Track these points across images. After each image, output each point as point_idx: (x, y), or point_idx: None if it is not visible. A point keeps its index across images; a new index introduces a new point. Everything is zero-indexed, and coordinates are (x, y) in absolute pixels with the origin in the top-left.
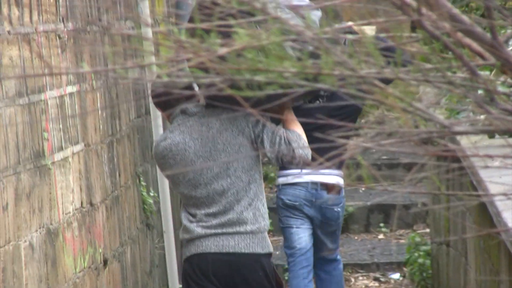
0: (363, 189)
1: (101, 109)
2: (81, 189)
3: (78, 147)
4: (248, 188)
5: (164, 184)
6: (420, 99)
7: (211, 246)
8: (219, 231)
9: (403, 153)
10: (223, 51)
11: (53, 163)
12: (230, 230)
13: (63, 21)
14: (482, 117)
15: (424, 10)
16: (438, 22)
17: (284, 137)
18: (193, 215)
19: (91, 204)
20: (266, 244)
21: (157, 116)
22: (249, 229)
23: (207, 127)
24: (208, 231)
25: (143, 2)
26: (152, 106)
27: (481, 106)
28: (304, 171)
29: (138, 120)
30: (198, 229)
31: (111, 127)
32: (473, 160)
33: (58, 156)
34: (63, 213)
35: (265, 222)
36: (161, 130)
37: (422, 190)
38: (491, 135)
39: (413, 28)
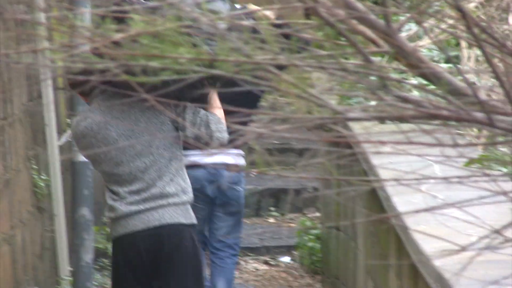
0: (255, 174)
1: None
2: None
3: None
4: (169, 165)
5: (56, 168)
6: (313, 86)
7: (138, 223)
8: (142, 207)
9: (297, 139)
10: (118, 36)
11: None
12: (153, 204)
13: None
14: (374, 103)
15: None
16: (333, 9)
17: (204, 119)
18: (116, 193)
19: None
20: (189, 216)
21: (49, 100)
22: (172, 202)
23: (128, 106)
24: (133, 208)
25: None
26: (45, 91)
27: (374, 92)
28: (202, 152)
29: (30, 104)
30: (122, 207)
31: (3, 111)
32: (365, 146)
33: None
34: None
35: (187, 195)
36: (53, 115)
37: (314, 175)
38: (382, 121)
39: (308, 15)
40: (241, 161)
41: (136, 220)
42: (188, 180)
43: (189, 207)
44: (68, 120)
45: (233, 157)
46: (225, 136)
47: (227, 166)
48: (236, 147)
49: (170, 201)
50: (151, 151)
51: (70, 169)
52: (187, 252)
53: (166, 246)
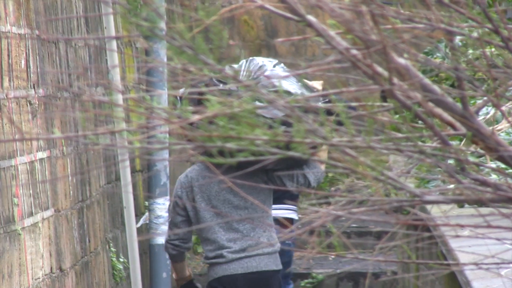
0: (333, 256)
1: (71, 175)
2: (50, 255)
3: (48, 213)
4: (261, 218)
5: (134, 250)
6: (391, 168)
7: (238, 268)
8: (243, 255)
9: (374, 222)
10: (194, 118)
11: (23, 228)
12: (252, 253)
13: (34, 87)
14: (452, 186)
15: (395, 79)
16: (409, 91)
17: (301, 177)
18: (213, 241)
19: (61, 269)
20: (278, 262)
21: (127, 182)
22: (266, 251)
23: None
24: (234, 256)
25: (114, 69)
26: (122, 172)
27: (452, 175)
28: None
29: (108, 186)
30: (228, 255)
31: (81, 193)
32: (443, 229)
33: (28, 222)
34: (32, 279)
35: (277, 245)
36: (131, 197)
37: (392, 258)
38: (460, 204)
39: (384, 98)
40: (295, 216)
41: (236, 265)
42: (275, 233)
43: (277, 255)
44: (146, 203)
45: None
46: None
47: (279, 222)
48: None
49: (265, 251)
50: (246, 206)
51: (148, 252)
52: None
53: None
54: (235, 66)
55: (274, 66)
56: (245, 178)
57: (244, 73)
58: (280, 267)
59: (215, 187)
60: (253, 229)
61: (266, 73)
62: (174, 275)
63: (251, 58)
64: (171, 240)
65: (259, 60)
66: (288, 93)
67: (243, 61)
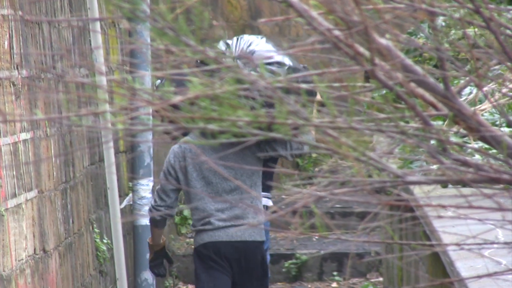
0: (316, 237)
1: (55, 156)
2: (34, 236)
3: (31, 194)
4: (250, 190)
5: (118, 231)
6: (373, 149)
7: (223, 236)
8: (229, 224)
9: (356, 202)
10: (176, 99)
11: (6, 209)
12: (237, 223)
13: (17, 68)
14: (435, 167)
15: (377, 60)
16: (391, 72)
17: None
18: (202, 209)
19: (44, 250)
20: (262, 234)
21: (111, 164)
22: (251, 222)
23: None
24: (221, 223)
25: (98, 50)
26: (106, 154)
27: (434, 156)
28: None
29: (91, 167)
30: (215, 222)
31: (65, 174)
32: (426, 210)
33: (12, 203)
34: (16, 260)
35: (262, 218)
36: (114, 178)
37: (376, 239)
38: (444, 185)
39: (367, 78)
40: (269, 203)
41: (221, 233)
42: (262, 202)
43: (262, 227)
44: (130, 184)
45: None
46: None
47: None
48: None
49: (250, 222)
50: (236, 177)
51: (132, 233)
52: (257, 264)
53: (243, 258)
54: (227, 43)
55: (263, 42)
56: (237, 150)
57: (236, 50)
58: (264, 238)
59: (206, 157)
60: (241, 201)
61: (256, 49)
62: (149, 240)
63: (240, 36)
64: (158, 206)
65: (249, 38)
66: (282, 64)
67: (233, 39)
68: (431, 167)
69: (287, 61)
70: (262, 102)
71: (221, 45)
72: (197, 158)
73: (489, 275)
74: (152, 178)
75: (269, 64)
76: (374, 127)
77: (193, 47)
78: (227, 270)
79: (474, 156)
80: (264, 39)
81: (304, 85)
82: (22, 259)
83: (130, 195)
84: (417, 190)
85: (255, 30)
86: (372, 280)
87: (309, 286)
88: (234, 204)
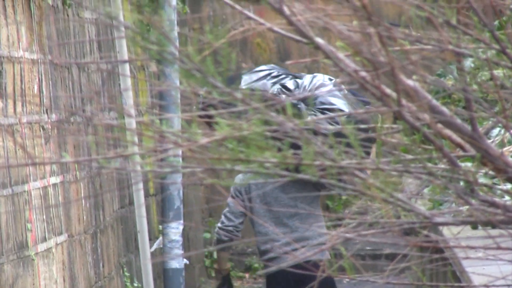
0: (346, 280)
1: (85, 200)
2: (64, 280)
3: (61, 238)
4: (308, 217)
5: (148, 275)
6: (401, 190)
7: (288, 260)
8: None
9: (384, 243)
10: (204, 141)
11: (36, 253)
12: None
13: (46, 112)
14: (464, 208)
15: (404, 101)
16: (418, 113)
17: None
18: (265, 234)
19: None
20: (323, 254)
21: (140, 206)
22: (311, 243)
23: None
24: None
25: (127, 93)
26: (136, 196)
27: (462, 197)
28: None
29: (121, 210)
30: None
31: (95, 218)
32: (456, 250)
33: (42, 247)
34: None
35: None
36: (144, 221)
37: (405, 281)
38: (474, 226)
39: (396, 119)
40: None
41: (287, 258)
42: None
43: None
44: (160, 227)
45: None
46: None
47: None
48: None
49: (310, 243)
50: (296, 204)
51: (163, 276)
52: (324, 281)
53: (309, 277)
54: (296, 80)
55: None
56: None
57: (302, 88)
58: (327, 256)
59: (269, 185)
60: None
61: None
62: (216, 266)
63: (314, 74)
64: (226, 227)
65: (321, 78)
66: (341, 110)
67: (306, 76)
68: (460, 208)
69: (345, 108)
70: (289, 143)
71: (290, 84)
72: (260, 185)
73: None
74: (182, 221)
75: (330, 110)
76: (402, 168)
77: (220, 88)
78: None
79: (504, 197)
80: (334, 81)
81: (331, 127)
82: None
83: (160, 238)
84: (446, 231)
85: None
86: None
87: None
88: (295, 230)
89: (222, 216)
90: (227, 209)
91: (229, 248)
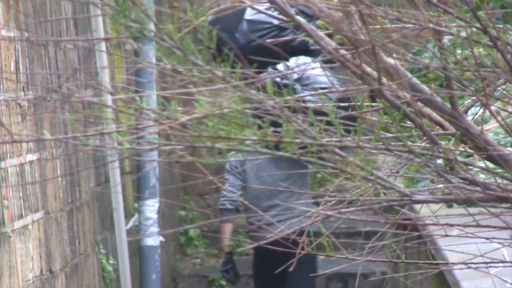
0: (322, 257)
1: (61, 177)
2: (40, 257)
3: (38, 215)
4: (300, 197)
5: (124, 252)
6: (380, 168)
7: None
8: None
9: (364, 221)
10: (184, 118)
11: (13, 231)
12: (283, 217)
13: (23, 89)
14: (441, 186)
15: (384, 79)
16: (398, 91)
17: None
18: (257, 206)
19: (51, 271)
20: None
21: (116, 184)
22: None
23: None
24: (273, 219)
25: (103, 71)
26: (112, 174)
27: (441, 175)
28: None
29: (97, 188)
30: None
31: (71, 195)
32: (432, 229)
33: (18, 224)
34: (22, 281)
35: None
36: (120, 198)
37: (381, 258)
38: (449, 204)
39: (373, 98)
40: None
41: (273, 228)
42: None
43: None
44: (136, 204)
45: None
46: None
47: None
48: None
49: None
50: (288, 177)
51: (138, 254)
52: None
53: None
54: (286, 64)
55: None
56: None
57: (294, 69)
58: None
59: (263, 160)
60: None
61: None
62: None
63: (297, 57)
64: (230, 198)
65: (306, 59)
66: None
67: (291, 59)
68: (438, 186)
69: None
70: (269, 121)
71: (281, 66)
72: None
73: None
74: (158, 199)
75: (321, 88)
76: (382, 146)
77: (200, 66)
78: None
79: (479, 175)
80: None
81: (311, 105)
82: (29, 280)
83: (136, 215)
84: (423, 209)
85: None
86: None
87: None
88: (284, 199)
89: (223, 192)
90: (227, 184)
91: (233, 215)
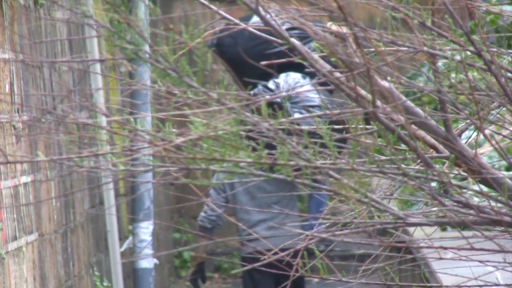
0: (316, 280)
1: (55, 199)
2: (34, 279)
3: (32, 237)
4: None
5: (118, 274)
6: (374, 191)
7: (264, 245)
8: (269, 233)
9: (358, 244)
10: (179, 140)
11: (7, 252)
12: (276, 233)
13: (18, 111)
14: (436, 209)
15: (378, 102)
16: (392, 114)
17: None
18: (247, 221)
19: None
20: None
21: (110, 205)
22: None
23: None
24: (263, 232)
25: (98, 92)
26: (106, 196)
27: (436, 198)
28: None
29: (92, 210)
30: (259, 232)
31: (65, 217)
32: (426, 251)
33: (12, 246)
34: None
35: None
36: (115, 220)
37: (376, 281)
38: (443, 227)
39: (367, 120)
40: None
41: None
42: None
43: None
44: (130, 227)
45: None
46: None
47: None
48: None
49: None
50: (278, 191)
51: (132, 276)
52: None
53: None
54: (275, 81)
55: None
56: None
57: (284, 86)
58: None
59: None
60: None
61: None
62: (192, 254)
63: (287, 73)
64: (210, 216)
65: (295, 76)
66: (318, 107)
67: (281, 76)
68: (432, 209)
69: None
70: (264, 143)
71: (271, 84)
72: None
73: None
74: (152, 221)
75: (311, 107)
76: (376, 169)
77: (195, 88)
78: (270, 275)
79: (473, 198)
80: (308, 80)
81: (306, 127)
82: None
83: (130, 238)
84: (417, 232)
85: None
86: None
87: None
88: (276, 216)
89: (205, 206)
90: (209, 199)
91: (211, 233)
